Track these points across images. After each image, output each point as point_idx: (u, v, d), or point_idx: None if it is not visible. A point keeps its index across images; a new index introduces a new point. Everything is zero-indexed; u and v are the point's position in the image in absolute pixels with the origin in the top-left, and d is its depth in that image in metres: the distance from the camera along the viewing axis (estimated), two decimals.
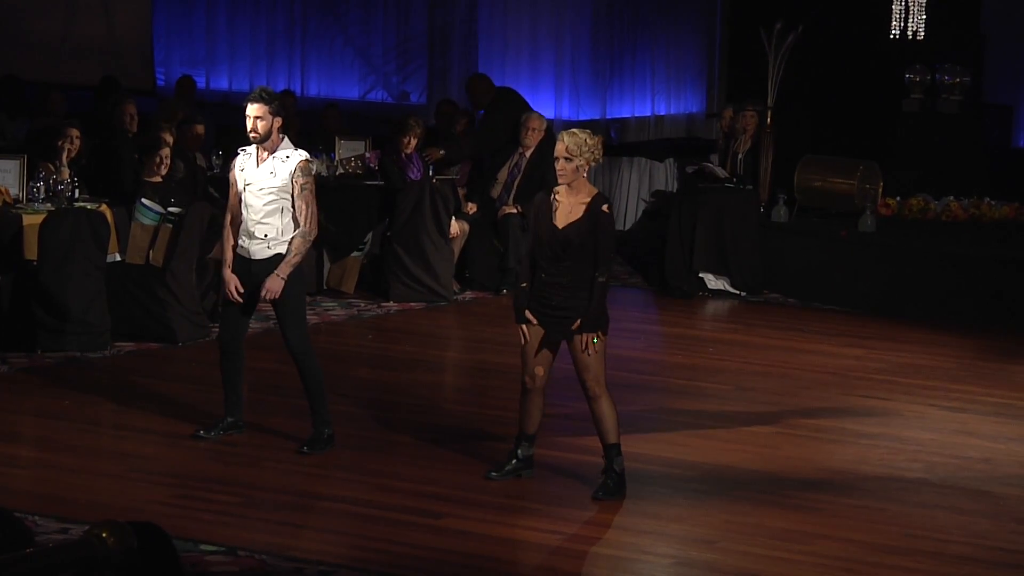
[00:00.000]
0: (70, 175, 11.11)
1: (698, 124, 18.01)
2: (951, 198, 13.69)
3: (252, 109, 8.16)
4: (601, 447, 7.79)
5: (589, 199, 7.63)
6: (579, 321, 7.61)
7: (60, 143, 11.28)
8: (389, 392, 9.80)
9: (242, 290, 8.27)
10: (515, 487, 7.85)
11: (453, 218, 12.82)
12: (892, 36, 14.66)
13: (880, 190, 13.63)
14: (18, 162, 11.00)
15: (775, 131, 13.78)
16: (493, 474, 7.92)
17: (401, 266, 12.50)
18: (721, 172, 13.86)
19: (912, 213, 13.64)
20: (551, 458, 8.31)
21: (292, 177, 8.18)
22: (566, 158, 7.57)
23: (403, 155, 12.88)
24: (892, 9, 14.57)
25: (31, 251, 10.35)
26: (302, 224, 8.21)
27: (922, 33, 14.59)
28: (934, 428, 9.33)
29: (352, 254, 12.77)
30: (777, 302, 13.23)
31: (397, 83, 17.71)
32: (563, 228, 7.60)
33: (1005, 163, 15.40)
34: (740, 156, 13.95)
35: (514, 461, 7.94)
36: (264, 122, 8.14)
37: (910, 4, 14.53)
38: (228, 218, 8.37)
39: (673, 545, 7.20)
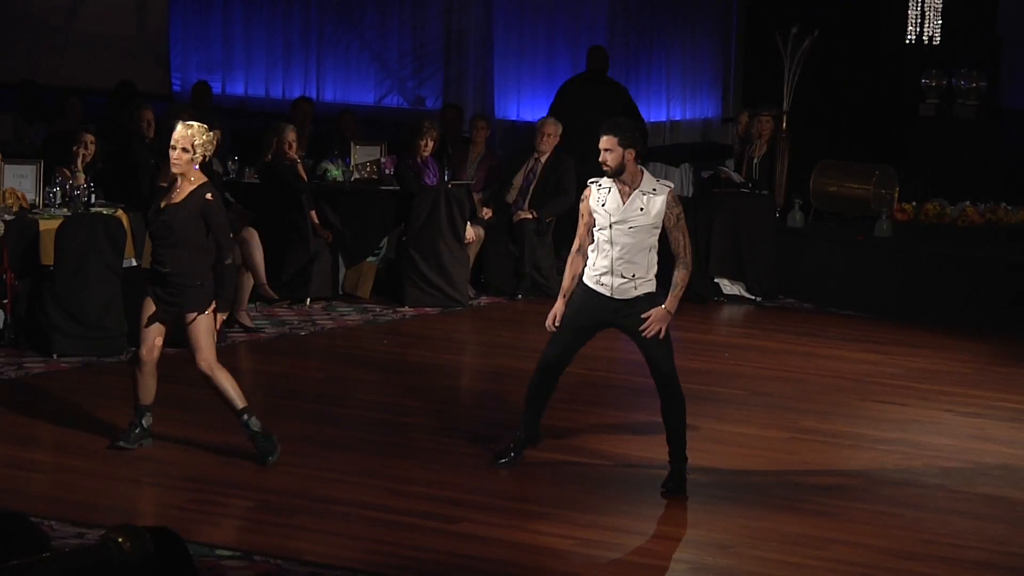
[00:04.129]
0: (86, 180, 11.14)
1: (714, 129, 18.01)
2: (967, 203, 13.67)
3: (603, 142, 7.77)
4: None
5: (195, 186, 8.02)
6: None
7: (75, 148, 11.33)
8: (404, 397, 9.80)
9: (558, 323, 7.96)
10: (530, 491, 7.85)
11: (468, 223, 12.82)
12: (908, 41, 14.64)
13: (896, 195, 13.60)
14: (35, 167, 11.03)
15: (791, 136, 13.78)
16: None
17: (417, 271, 12.51)
18: (737, 177, 13.86)
19: (928, 218, 13.62)
20: (566, 462, 8.31)
21: (667, 208, 7.81)
22: (183, 149, 7.98)
23: (420, 159, 12.88)
24: (908, 14, 14.55)
25: (48, 256, 10.38)
26: (683, 255, 7.91)
27: (938, 38, 14.56)
28: (950, 433, 9.31)
29: (368, 259, 12.79)
30: (793, 307, 13.22)
31: (413, 88, 17.72)
32: (164, 209, 8.02)
33: (1022, 168, 15.36)
34: (756, 161, 13.94)
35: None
36: (612, 154, 7.77)
37: (926, 9, 14.51)
38: (576, 245, 8.00)
39: (688, 550, 7.20)
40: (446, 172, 13.16)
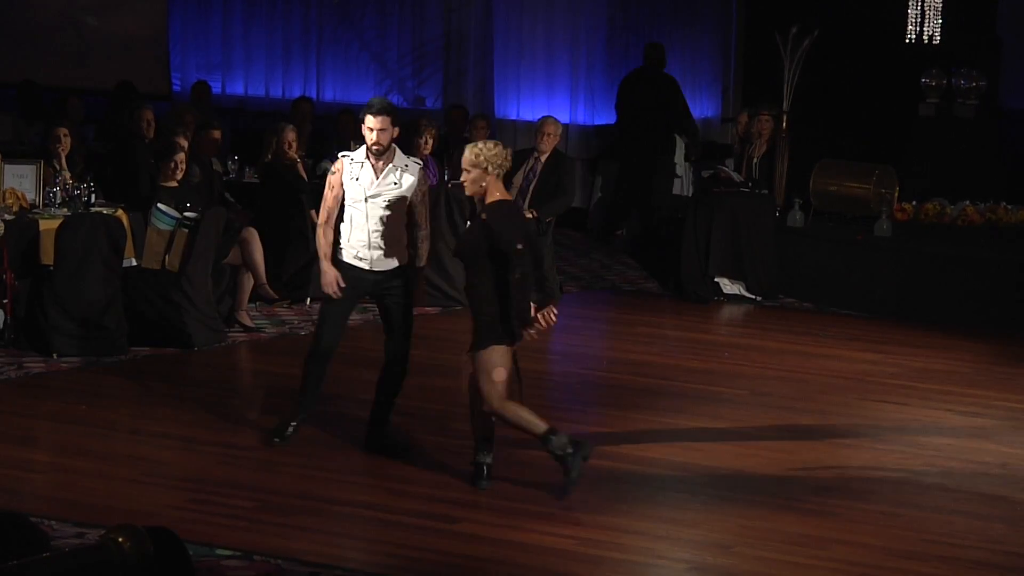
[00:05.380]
0: (73, 175, 11.15)
1: (714, 129, 18.00)
2: (967, 202, 13.66)
3: (378, 121, 8.14)
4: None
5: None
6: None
7: (52, 146, 11.40)
8: (404, 396, 9.76)
9: (343, 285, 8.25)
10: (530, 491, 7.84)
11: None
12: (908, 40, 14.63)
13: (896, 194, 13.60)
14: (35, 167, 11.04)
15: (791, 135, 13.77)
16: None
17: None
18: (737, 176, 13.86)
19: (928, 217, 13.61)
20: None
21: (417, 184, 8.23)
22: (465, 170, 7.75)
23: (419, 158, 12.86)
24: (908, 13, 14.55)
25: (48, 256, 10.38)
26: (424, 226, 8.33)
27: (938, 37, 14.56)
28: (950, 433, 9.31)
29: None
30: (793, 307, 13.22)
31: (413, 88, 17.72)
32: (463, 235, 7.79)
33: (1021, 167, 15.36)
34: (756, 160, 13.94)
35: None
36: (387, 134, 8.16)
37: (926, 8, 14.50)
38: (324, 217, 8.28)
39: (688, 550, 7.20)
40: (446, 172, 13.15)
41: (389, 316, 8.36)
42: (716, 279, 13.47)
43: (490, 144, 7.76)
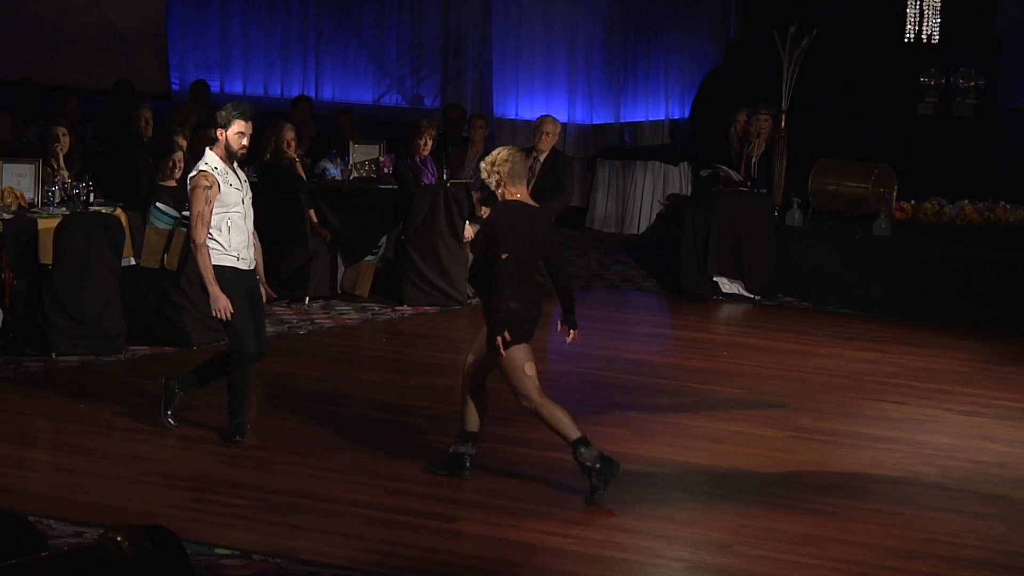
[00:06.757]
0: (71, 175, 11.15)
1: None
2: (966, 202, 13.67)
3: (249, 126, 8.30)
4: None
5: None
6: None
7: (51, 145, 11.40)
8: (403, 396, 9.81)
9: (233, 311, 8.28)
10: (529, 490, 7.85)
11: (467, 222, 12.82)
12: (907, 40, 14.65)
13: (895, 194, 13.61)
14: (34, 166, 11.03)
15: (789, 135, 13.78)
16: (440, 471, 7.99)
17: (415, 270, 12.51)
18: (735, 176, 13.86)
19: (927, 217, 13.62)
20: (563, 462, 8.31)
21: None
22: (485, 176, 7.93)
23: (418, 159, 12.88)
24: (907, 13, 14.56)
25: (46, 255, 10.38)
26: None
27: (937, 37, 14.57)
28: (949, 432, 9.31)
29: (366, 258, 12.79)
30: (791, 306, 13.22)
31: (411, 87, 17.73)
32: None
33: (1020, 166, 15.36)
34: (754, 160, 13.94)
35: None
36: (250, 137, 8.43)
37: (925, 8, 14.52)
38: (204, 236, 8.26)
39: (687, 549, 7.20)
40: (445, 171, 13.15)
41: (257, 307, 8.47)
42: (715, 278, 13.48)
43: (493, 153, 7.87)
